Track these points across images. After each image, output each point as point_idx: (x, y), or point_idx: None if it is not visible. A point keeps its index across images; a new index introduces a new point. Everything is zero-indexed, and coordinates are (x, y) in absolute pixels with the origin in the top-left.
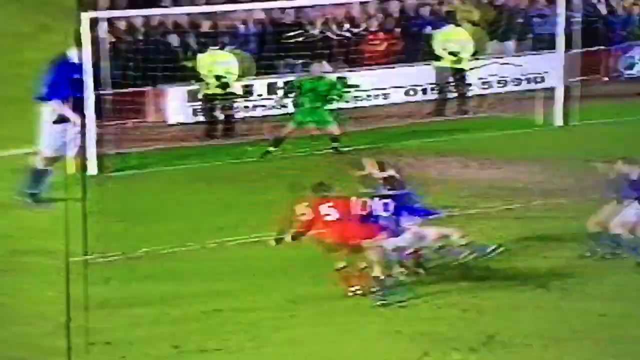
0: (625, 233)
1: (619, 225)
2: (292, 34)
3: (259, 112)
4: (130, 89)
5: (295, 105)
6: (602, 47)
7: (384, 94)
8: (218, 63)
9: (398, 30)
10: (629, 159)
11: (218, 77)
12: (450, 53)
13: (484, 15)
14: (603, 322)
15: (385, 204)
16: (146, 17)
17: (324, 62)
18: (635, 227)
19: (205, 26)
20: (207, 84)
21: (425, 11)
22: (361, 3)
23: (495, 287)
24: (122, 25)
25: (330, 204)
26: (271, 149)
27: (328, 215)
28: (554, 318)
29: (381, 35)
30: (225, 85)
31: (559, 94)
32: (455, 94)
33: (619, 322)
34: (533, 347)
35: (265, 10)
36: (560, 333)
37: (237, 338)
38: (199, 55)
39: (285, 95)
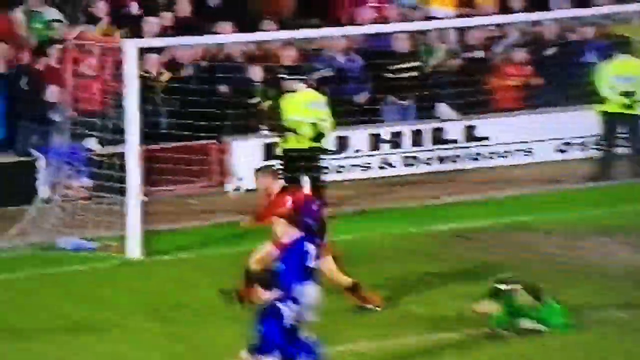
0: None
1: None
2: (404, 66)
3: (356, 174)
4: (186, 143)
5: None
6: None
7: (526, 150)
8: (311, 105)
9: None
10: None
11: (313, 125)
12: (623, 94)
13: None
14: None
15: None
16: (205, 46)
17: (446, 106)
18: None
19: (288, 57)
20: (298, 133)
21: (588, 33)
22: (497, 26)
23: None
24: (174, 57)
25: None
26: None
27: None
28: None
29: (519, 66)
30: (320, 137)
31: None
32: (628, 151)
33: None
34: None
35: (368, 36)
36: None
37: None
38: (287, 97)
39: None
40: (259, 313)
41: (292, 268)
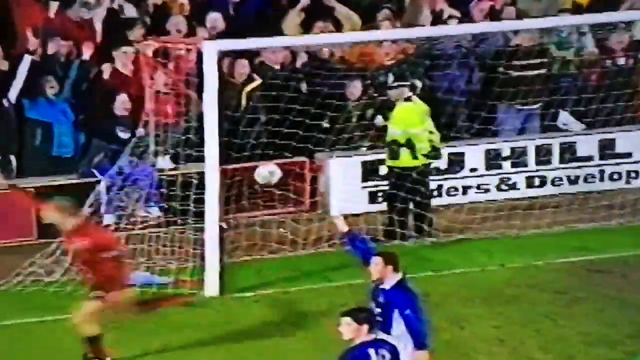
0: None
1: None
2: (526, 68)
3: (471, 197)
4: (273, 161)
5: None
6: None
7: None
8: (425, 115)
9: None
10: None
11: (428, 139)
12: None
13: None
14: None
15: None
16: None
17: (567, 115)
18: None
19: (389, 55)
20: (413, 149)
21: None
22: None
23: None
24: (261, 61)
25: None
26: None
27: None
28: None
29: None
30: (436, 152)
31: None
32: None
33: None
34: None
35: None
36: None
37: None
38: (400, 106)
39: None
40: (344, 356)
41: (419, 314)
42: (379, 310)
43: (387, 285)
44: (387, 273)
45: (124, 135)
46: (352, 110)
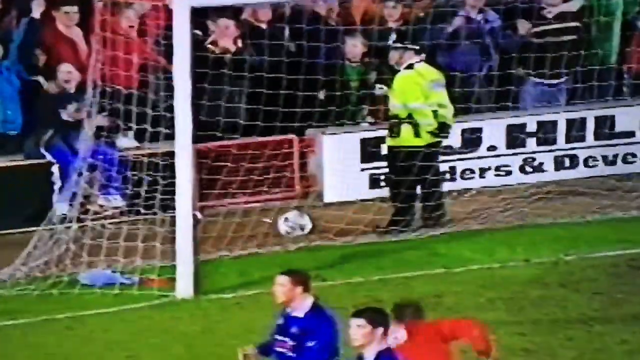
0: None
1: None
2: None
3: (490, 180)
4: (255, 139)
5: None
6: None
7: None
8: (434, 85)
9: None
10: None
11: (435, 113)
12: None
13: None
14: None
15: None
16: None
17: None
18: None
19: (392, 16)
20: (417, 125)
21: None
22: None
23: None
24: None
25: None
26: None
27: None
28: None
29: None
30: (445, 129)
31: None
32: None
33: None
34: None
35: None
36: None
37: None
38: (402, 74)
39: None
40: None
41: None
42: (292, 342)
43: (300, 312)
44: (296, 295)
45: (70, 112)
46: (351, 76)
